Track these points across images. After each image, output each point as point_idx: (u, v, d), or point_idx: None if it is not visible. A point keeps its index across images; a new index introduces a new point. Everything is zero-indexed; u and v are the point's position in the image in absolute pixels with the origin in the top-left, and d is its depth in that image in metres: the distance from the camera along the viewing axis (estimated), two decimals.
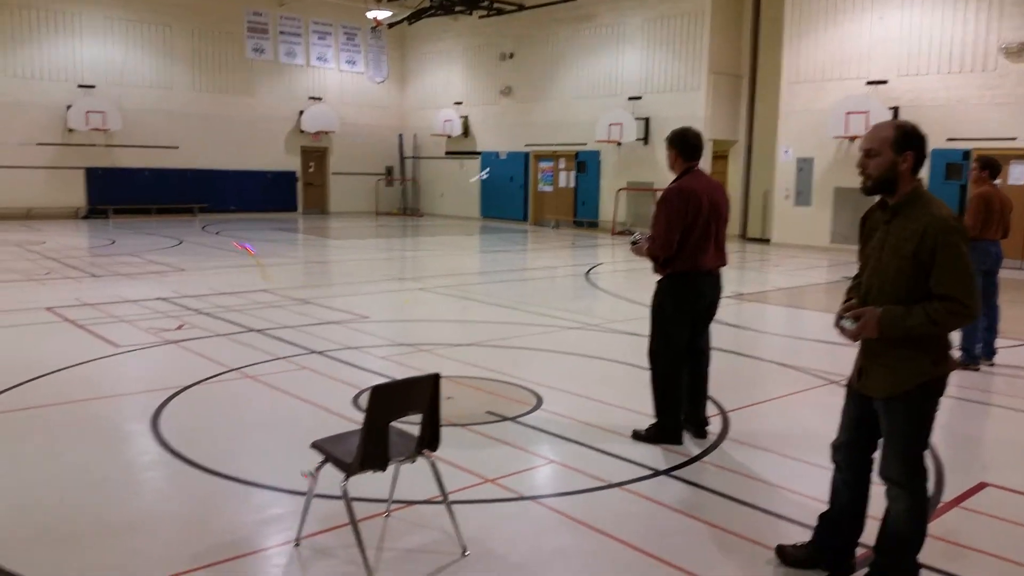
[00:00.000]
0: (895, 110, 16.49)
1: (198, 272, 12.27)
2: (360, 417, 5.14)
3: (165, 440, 4.80)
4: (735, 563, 3.47)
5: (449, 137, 26.61)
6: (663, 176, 19.37)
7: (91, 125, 21.62)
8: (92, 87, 22.09)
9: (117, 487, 4.16)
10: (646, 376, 5.09)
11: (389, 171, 28.35)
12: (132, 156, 23.05)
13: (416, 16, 22.49)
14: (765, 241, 19.64)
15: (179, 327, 8.04)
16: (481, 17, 24.13)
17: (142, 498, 4.10)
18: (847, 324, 3.06)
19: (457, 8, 21.79)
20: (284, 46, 25.74)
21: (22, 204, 21.45)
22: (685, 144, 4.85)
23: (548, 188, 24.35)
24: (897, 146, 2.99)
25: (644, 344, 5.09)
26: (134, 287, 10.54)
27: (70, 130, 21.78)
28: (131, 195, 23.02)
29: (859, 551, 3.42)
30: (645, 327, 5.12)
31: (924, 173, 14.71)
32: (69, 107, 21.60)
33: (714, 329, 5.22)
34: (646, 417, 5.15)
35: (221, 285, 10.85)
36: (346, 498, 3.25)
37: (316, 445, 3.47)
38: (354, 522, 3.24)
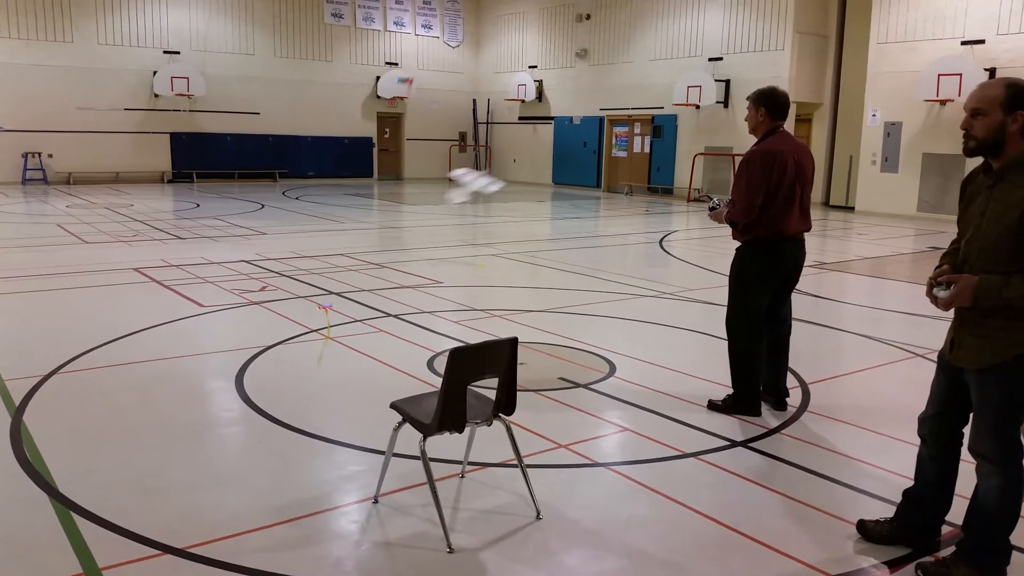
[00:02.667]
0: (991, 71, 15.62)
1: (279, 236, 12.58)
2: (435, 380, 5.23)
3: (249, 397, 4.97)
4: (813, 536, 3.40)
5: (523, 102, 26.46)
6: (743, 141, 18.87)
7: (176, 91, 22.26)
8: (177, 53, 22.71)
9: (204, 442, 4.33)
10: (722, 346, 5.01)
11: (463, 137, 28.41)
12: (215, 121, 23.66)
13: None
14: (849, 208, 19.00)
15: (261, 288, 8.28)
16: None
17: (227, 453, 4.26)
18: (939, 292, 2.90)
19: None
20: (362, 11, 25.90)
21: (110, 168, 22.32)
22: (775, 103, 4.68)
23: (622, 153, 24.02)
24: (1007, 105, 2.81)
25: (720, 313, 5.00)
26: (218, 249, 10.88)
27: (156, 95, 22.48)
28: (214, 160, 23.69)
29: (945, 529, 3.31)
30: (721, 296, 5.03)
31: None
32: (155, 73, 22.27)
33: (794, 299, 5.08)
34: (722, 387, 5.08)
35: (301, 248, 11.10)
36: (424, 458, 3.31)
37: (395, 406, 3.53)
38: (432, 481, 3.30)
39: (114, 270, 9.18)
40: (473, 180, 13.48)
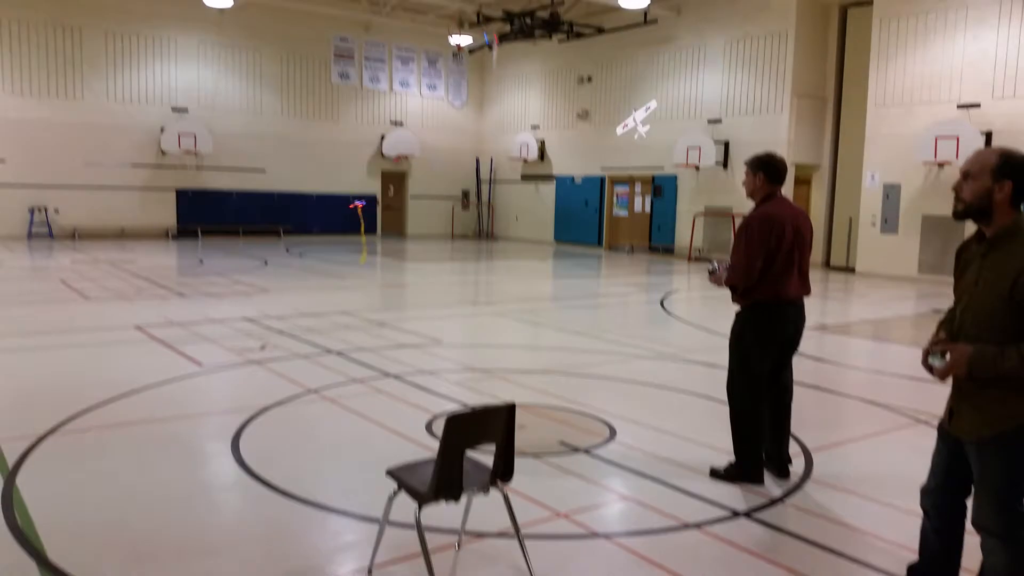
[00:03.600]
0: (988, 135, 15.83)
1: (281, 293, 12.60)
2: (433, 443, 5.17)
3: (244, 461, 4.90)
4: None
5: (525, 161, 26.79)
6: (742, 201, 19.01)
7: (183, 147, 22.57)
8: (185, 110, 23.09)
9: (197, 507, 4.26)
10: (724, 410, 4.96)
11: (465, 195, 28.70)
12: (221, 178, 23.95)
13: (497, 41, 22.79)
14: (850, 270, 19.05)
15: (261, 347, 8.25)
16: (560, 41, 24.28)
17: (221, 519, 4.18)
18: (935, 361, 2.88)
19: (537, 33, 21.98)
20: (368, 71, 26.43)
21: (116, 223, 22.50)
22: (773, 168, 4.73)
23: (623, 212, 24.21)
24: (997, 173, 2.84)
25: (722, 376, 4.96)
26: (220, 307, 10.89)
27: (163, 152, 22.79)
28: (219, 216, 23.89)
29: None
30: (723, 358, 4.99)
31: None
32: (163, 129, 22.62)
33: (796, 362, 5.05)
34: (724, 453, 5.01)
35: (303, 306, 11.11)
36: (419, 528, 3.24)
37: (391, 473, 3.48)
38: (427, 553, 3.22)
39: (115, 328, 9.17)
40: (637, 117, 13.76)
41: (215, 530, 4.00)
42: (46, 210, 21.53)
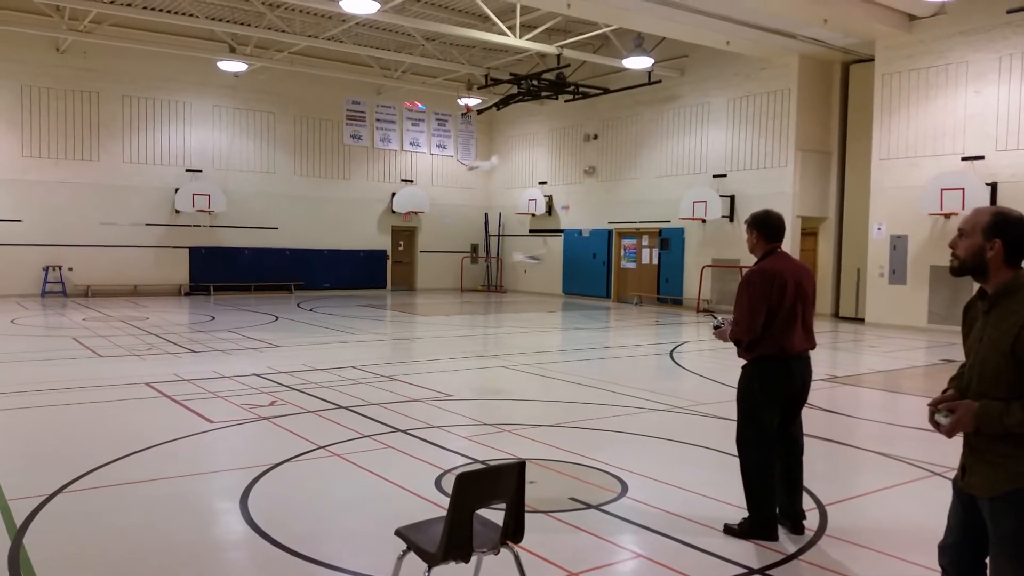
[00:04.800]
0: (993, 186, 15.93)
1: (291, 348, 12.64)
2: (443, 499, 5.13)
3: (253, 519, 4.88)
4: None
5: (533, 216, 27.03)
6: (749, 253, 19.07)
7: (197, 207, 22.90)
8: (199, 171, 23.48)
9: (206, 567, 4.23)
10: (736, 463, 4.92)
11: (474, 249, 28.90)
12: (234, 236, 24.23)
13: (504, 102, 23.23)
14: (859, 320, 18.99)
15: (271, 403, 8.25)
16: (567, 101, 24.74)
17: None
18: (940, 418, 2.89)
19: (544, 94, 22.42)
20: (380, 132, 26.92)
21: (129, 281, 22.72)
22: (767, 226, 4.79)
23: (631, 265, 24.31)
24: (988, 232, 2.90)
25: (733, 428, 4.94)
26: (230, 363, 10.92)
27: (177, 211, 23.11)
28: (232, 273, 24.12)
29: None
30: (733, 410, 4.97)
31: None
32: (177, 190, 22.98)
33: (806, 414, 5.02)
34: (738, 509, 4.96)
35: (313, 361, 11.13)
36: None
37: (399, 533, 3.46)
38: None
39: (126, 384, 9.20)
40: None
41: None
42: (60, 268, 21.79)
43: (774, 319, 4.62)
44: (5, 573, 4.02)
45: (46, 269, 21.58)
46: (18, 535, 4.53)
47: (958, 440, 3.05)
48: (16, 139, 21.25)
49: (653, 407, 8.56)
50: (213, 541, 4.66)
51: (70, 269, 21.95)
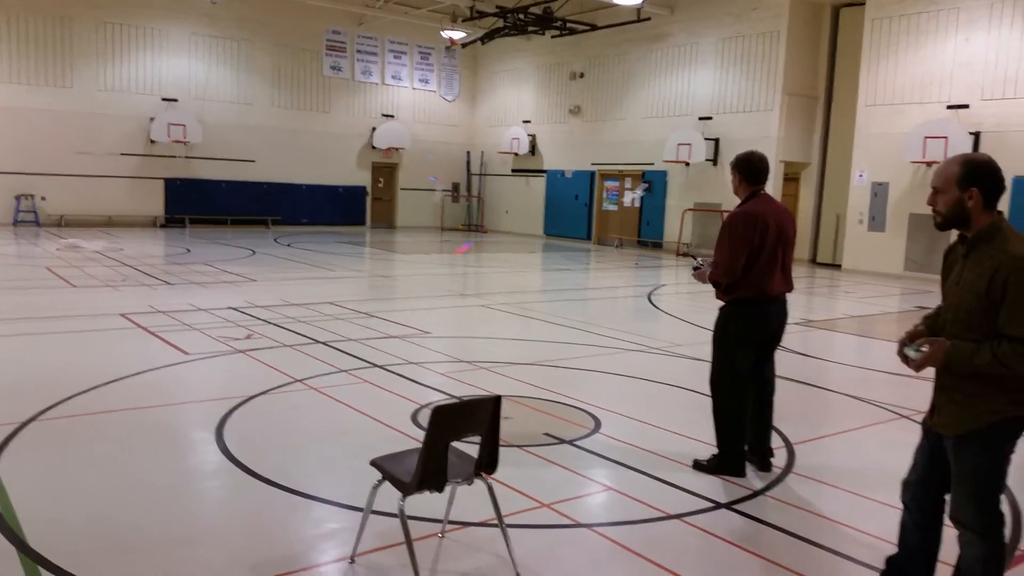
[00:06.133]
0: (976, 135, 15.93)
1: (268, 283, 12.57)
2: (418, 433, 5.18)
3: (228, 449, 4.90)
4: None
5: (516, 155, 26.77)
6: (732, 198, 19.02)
7: (172, 137, 22.42)
8: (175, 100, 22.93)
9: (181, 495, 4.26)
10: (708, 403, 4.98)
11: (455, 187, 28.65)
12: (210, 168, 23.82)
13: (490, 36, 22.74)
14: (836, 266, 19.15)
15: (247, 337, 8.23)
16: (553, 37, 24.25)
17: (205, 507, 4.18)
18: (911, 352, 2.96)
19: (530, 28, 21.96)
20: (360, 64, 26.32)
21: (103, 212, 22.36)
22: (750, 168, 4.77)
23: (613, 207, 24.25)
24: (962, 183, 2.92)
25: (707, 370, 4.99)
26: (206, 296, 10.85)
27: (152, 141, 22.64)
28: (208, 206, 23.78)
29: None
30: (708, 352, 5.02)
31: (1007, 204, 14.18)
32: (152, 119, 22.46)
33: (780, 357, 5.09)
34: (708, 446, 5.05)
35: (289, 296, 11.08)
36: (402, 517, 3.26)
37: (375, 463, 3.49)
38: (409, 542, 3.24)
39: (100, 315, 9.13)
40: None
41: (199, 518, 4.00)
42: (32, 197, 21.37)
43: (755, 262, 4.63)
44: None
45: (18, 198, 21.17)
46: None
47: (926, 384, 3.11)
48: None
49: (629, 347, 8.63)
50: (189, 470, 4.68)
51: (43, 198, 21.54)
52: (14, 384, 6.24)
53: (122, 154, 22.52)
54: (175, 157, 23.10)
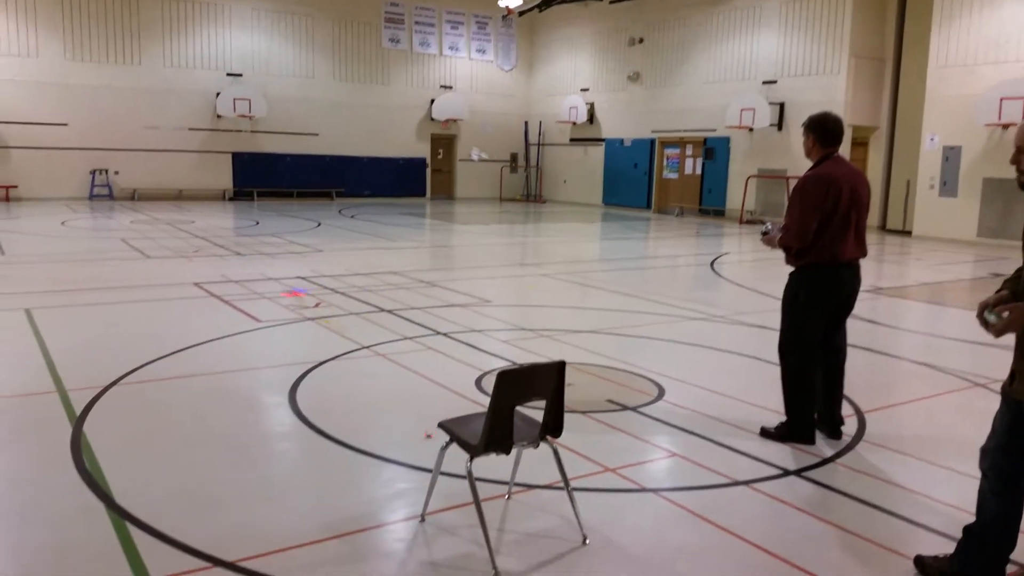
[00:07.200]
0: None
1: (333, 253, 12.79)
2: (482, 399, 5.24)
3: (301, 412, 5.04)
4: (869, 571, 3.31)
5: (574, 124, 26.54)
6: (797, 163, 18.63)
7: (238, 112, 22.87)
8: (239, 75, 23.35)
9: (257, 455, 4.41)
10: (775, 371, 4.92)
11: (514, 158, 28.59)
12: (275, 142, 24.25)
13: (547, 3, 22.52)
14: (906, 233, 18.58)
15: (316, 305, 8.41)
16: (612, 3, 23.88)
17: (278, 467, 4.32)
18: (991, 318, 2.83)
19: None
20: (419, 36, 26.38)
21: (174, 186, 23.00)
22: (824, 130, 4.64)
23: (673, 175, 23.90)
24: None
25: (773, 338, 4.92)
26: (275, 266, 11.10)
27: (219, 116, 23.12)
28: (274, 179, 24.27)
29: (1010, 568, 3.19)
30: (773, 320, 4.95)
31: None
32: (218, 94, 22.93)
33: (850, 325, 4.97)
34: (775, 414, 4.99)
35: (355, 265, 11.26)
36: (471, 479, 3.31)
37: (443, 425, 3.55)
38: (478, 503, 3.29)
39: (175, 284, 9.43)
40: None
41: (272, 477, 4.14)
42: (107, 172, 22.09)
43: (827, 226, 4.53)
44: (68, 456, 4.23)
45: (93, 173, 21.90)
46: (78, 423, 4.74)
47: (1003, 353, 3.01)
48: (59, 43, 21.25)
49: (692, 316, 8.55)
50: (263, 432, 4.84)
51: (116, 173, 22.24)
52: (97, 350, 6.51)
53: (190, 129, 23.07)
54: (241, 131, 23.56)
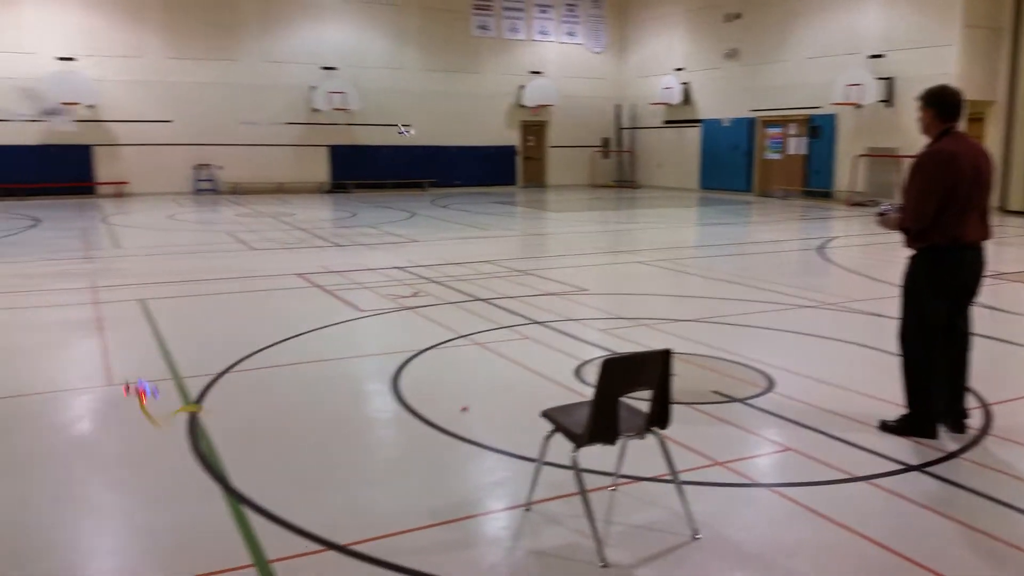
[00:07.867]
0: None
1: (429, 243, 12.94)
2: (582, 388, 5.18)
3: (404, 399, 5.10)
4: (1001, 572, 3.09)
5: (668, 105, 26.00)
6: (909, 140, 17.71)
7: (333, 105, 23.39)
8: (334, 68, 23.86)
9: (363, 441, 4.48)
10: (893, 362, 4.67)
11: (605, 143, 28.27)
12: (369, 134, 24.71)
13: None
14: None
15: (414, 294, 8.52)
16: None
17: (384, 452, 4.39)
18: None
19: None
20: (507, 22, 26.34)
21: (273, 179, 23.74)
22: (943, 103, 4.36)
23: (776, 156, 23.12)
24: None
25: (890, 326, 4.67)
26: (373, 256, 11.31)
27: (314, 110, 23.71)
28: (368, 171, 24.74)
29: None
30: (890, 307, 4.70)
31: None
32: (313, 88, 23.50)
33: (971, 312, 4.67)
34: (894, 407, 4.73)
35: (449, 255, 11.36)
36: (576, 469, 3.26)
37: (546, 414, 3.51)
38: (584, 493, 3.24)
39: (279, 275, 9.72)
40: None
41: (379, 462, 4.20)
42: (210, 167, 22.99)
43: (947, 206, 4.25)
44: (186, 440, 4.40)
45: (196, 168, 22.83)
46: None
47: None
48: (160, 42, 22.16)
49: (800, 303, 8.24)
50: (368, 418, 4.93)
51: (220, 167, 23.12)
52: (209, 339, 6.77)
53: (287, 123, 23.75)
54: (336, 124, 24.09)
